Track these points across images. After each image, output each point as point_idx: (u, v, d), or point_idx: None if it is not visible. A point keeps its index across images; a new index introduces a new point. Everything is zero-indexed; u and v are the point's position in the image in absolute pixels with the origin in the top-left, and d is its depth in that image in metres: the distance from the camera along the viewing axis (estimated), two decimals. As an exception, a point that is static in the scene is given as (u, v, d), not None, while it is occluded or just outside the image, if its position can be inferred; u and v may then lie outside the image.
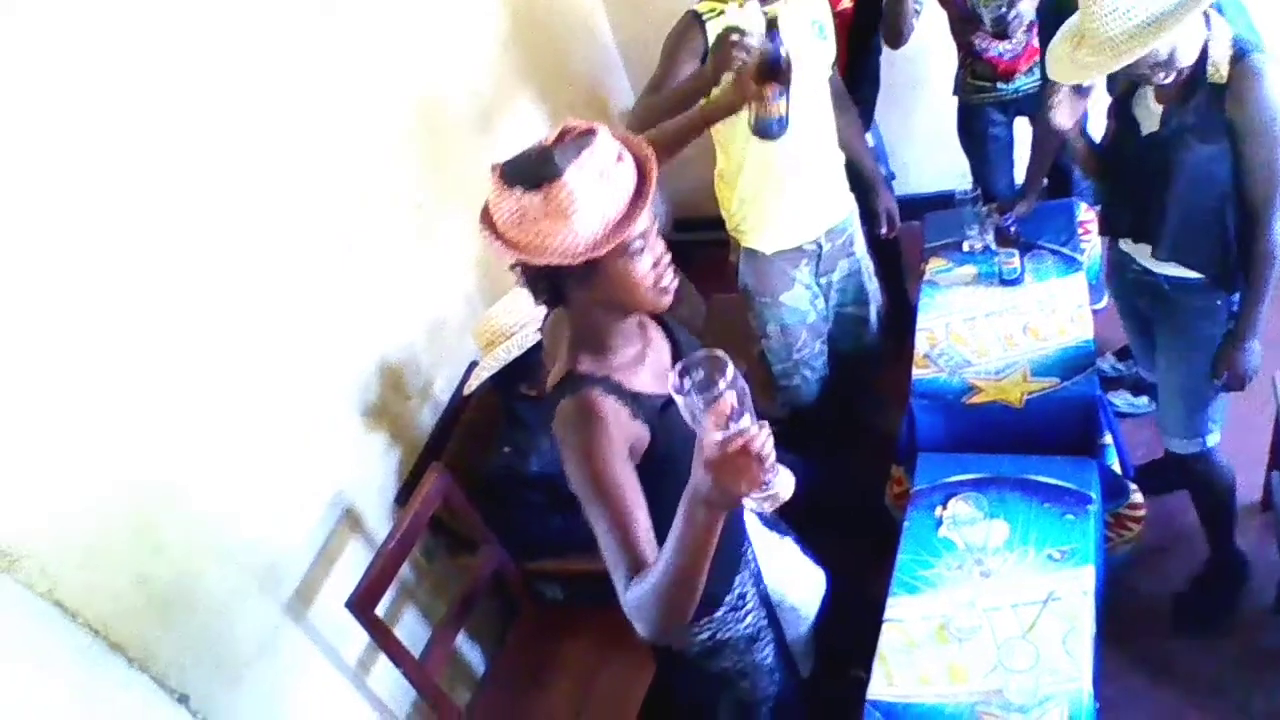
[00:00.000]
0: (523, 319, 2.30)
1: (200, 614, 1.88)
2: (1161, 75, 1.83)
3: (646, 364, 1.49)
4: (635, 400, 1.41)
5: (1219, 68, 1.82)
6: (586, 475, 1.35)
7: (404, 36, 2.67)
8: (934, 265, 2.75)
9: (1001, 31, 2.63)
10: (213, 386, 1.95)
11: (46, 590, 1.59)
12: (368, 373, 2.41)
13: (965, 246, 2.73)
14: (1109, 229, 2.20)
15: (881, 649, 1.89)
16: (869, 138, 3.02)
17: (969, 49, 2.76)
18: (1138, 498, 2.38)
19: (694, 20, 2.16)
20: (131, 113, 1.82)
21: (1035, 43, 2.66)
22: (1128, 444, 2.33)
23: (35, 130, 1.65)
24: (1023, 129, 2.92)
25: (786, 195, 2.36)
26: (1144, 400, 2.84)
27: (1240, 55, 1.81)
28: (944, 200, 2.86)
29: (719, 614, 1.69)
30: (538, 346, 2.26)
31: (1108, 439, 2.27)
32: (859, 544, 2.36)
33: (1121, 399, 2.89)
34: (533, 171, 1.25)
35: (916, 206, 3.17)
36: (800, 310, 2.55)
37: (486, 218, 1.31)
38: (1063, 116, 2.01)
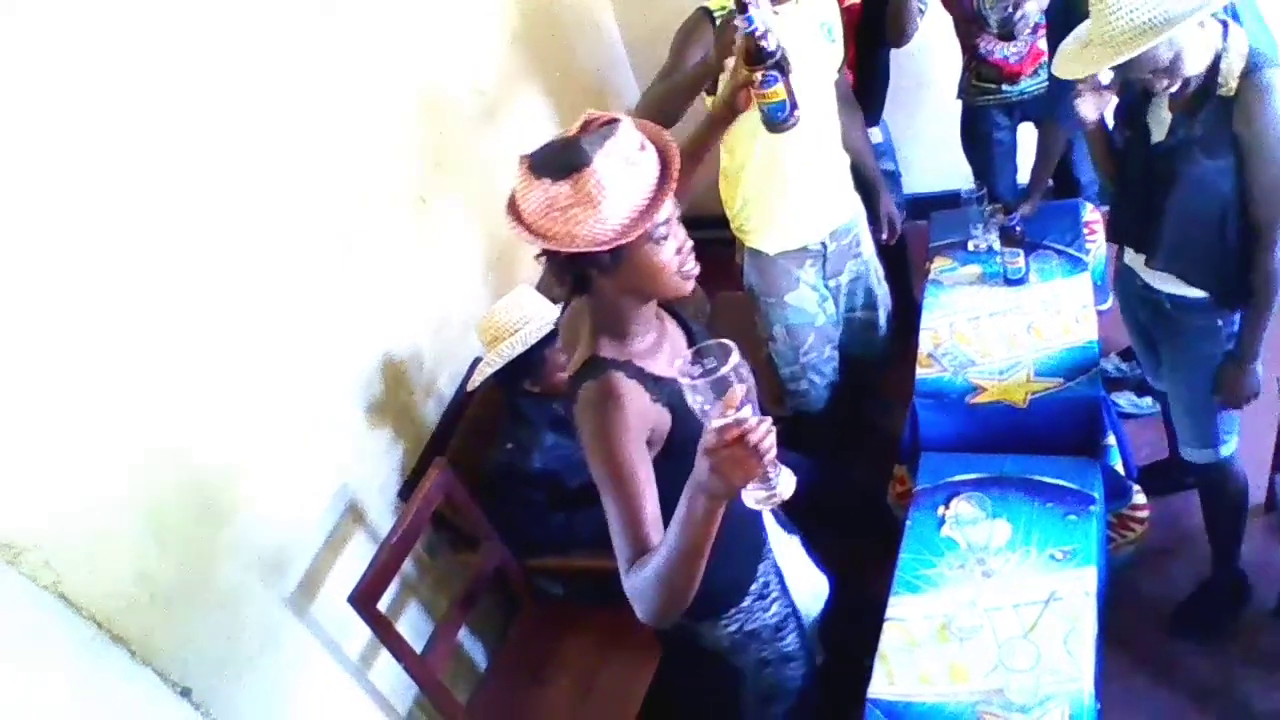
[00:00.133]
0: (527, 315, 2.30)
1: (203, 608, 1.89)
2: (1165, 83, 1.79)
3: (664, 350, 1.50)
4: (657, 384, 1.42)
5: (1229, 81, 1.78)
6: (601, 455, 1.36)
7: (408, 32, 2.66)
8: (939, 264, 2.75)
9: (1007, 33, 2.62)
10: (217, 382, 1.95)
11: (51, 583, 1.60)
12: (371, 368, 2.42)
13: (970, 246, 2.73)
14: (1115, 235, 2.19)
15: (883, 648, 1.89)
16: (878, 133, 3.02)
17: (974, 51, 2.76)
18: (1141, 499, 2.39)
19: (704, 15, 2.16)
20: (133, 112, 1.82)
21: (1040, 45, 2.65)
22: (1131, 445, 2.33)
23: (38, 126, 1.65)
24: (1026, 134, 2.91)
25: (790, 196, 2.36)
26: (1148, 401, 2.83)
27: (1252, 69, 1.76)
28: (949, 199, 2.86)
29: (746, 603, 1.71)
30: (541, 343, 2.26)
31: (1111, 440, 2.27)
32: (861, 543, 2.37)
33: (1125, 400, 2.89)
34: (561, 161, 1.26)
35: (922, 205, 3.18)
36: (807, 312, 2.54)
37: (513, 208, 1.32)
38: (1087, 108, 1.99)
